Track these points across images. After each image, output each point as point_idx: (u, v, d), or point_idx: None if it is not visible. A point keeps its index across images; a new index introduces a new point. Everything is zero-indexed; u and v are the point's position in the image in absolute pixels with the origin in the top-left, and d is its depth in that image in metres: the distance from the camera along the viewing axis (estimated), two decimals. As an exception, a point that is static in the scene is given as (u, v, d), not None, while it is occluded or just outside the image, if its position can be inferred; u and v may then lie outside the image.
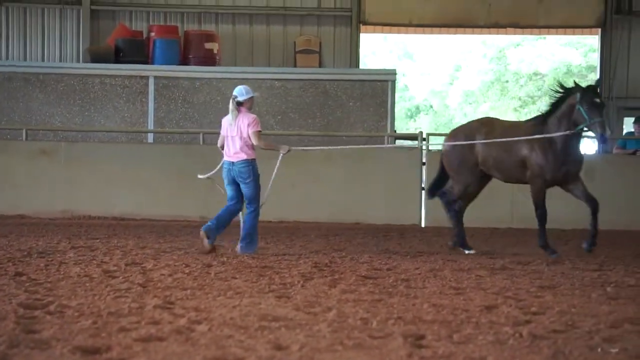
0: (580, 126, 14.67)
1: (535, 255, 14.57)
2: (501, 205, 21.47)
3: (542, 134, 14.81)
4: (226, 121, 14.63)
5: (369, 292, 9.90)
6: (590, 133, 15.22)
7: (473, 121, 16.35)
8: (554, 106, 15.00)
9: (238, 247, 14.26)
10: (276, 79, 25.16)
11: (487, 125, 15.57)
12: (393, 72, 26.55)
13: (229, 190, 14.44)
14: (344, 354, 6.60)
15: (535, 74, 48.82)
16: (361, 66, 30.11)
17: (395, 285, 10.57)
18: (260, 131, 14.39)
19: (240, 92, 14.57)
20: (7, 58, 27.65)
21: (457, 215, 15.47)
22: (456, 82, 50.78)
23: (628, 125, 26.94)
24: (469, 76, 50.21)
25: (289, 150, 14.88)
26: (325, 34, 28.82)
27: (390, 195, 21.87)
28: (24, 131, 22.90)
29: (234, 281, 10.64)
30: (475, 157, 15.31)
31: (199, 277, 10.91)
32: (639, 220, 21.22)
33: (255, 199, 14.33)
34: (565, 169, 14.89)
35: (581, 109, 14.61)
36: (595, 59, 32.30)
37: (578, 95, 14.71)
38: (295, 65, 27.41)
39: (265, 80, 24.97)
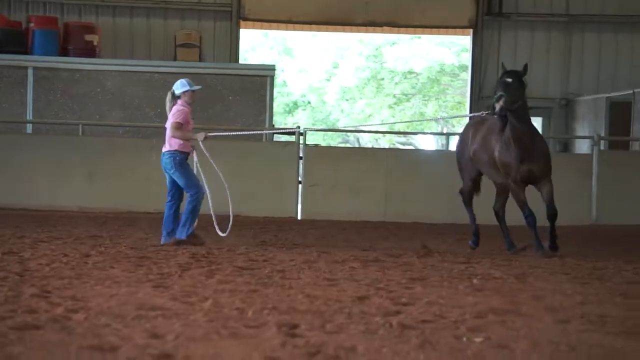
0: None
1: (406, 248, 14.73)
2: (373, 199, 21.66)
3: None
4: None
5: (245, 283, 9.92)
6: None
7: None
8: None
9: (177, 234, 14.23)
10: (156, 72, 25.02)
11: (481, 122, 15.30)
12: (272, 68, 26.63)
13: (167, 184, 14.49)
14: (219, 343, 6.62)
15: (410, 72, 49.25)
16: (241, 61, 30.12)
17: (271, 276, 10.60)
18: (179, 122, 14.23)
19: (176, 85, 14.47)
20: None
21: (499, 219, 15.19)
22: (333, 79, 50.95)
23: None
24: (346, 73, 50.44)
25: (205, 137, 14.71)
26: (205, 29, 28.76)
27: (269, 188, 21.91)
28: None
29: (112, 271, 10.58)
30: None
31: (76, 267, 10.83)
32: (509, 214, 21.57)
33: (189, 186, 14.25)
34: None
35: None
36: (467, 58, 32.73)
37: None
38: (175, 59, 27.29)
39: (146, 73, 24.83)
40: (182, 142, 14.23)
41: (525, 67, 14.02)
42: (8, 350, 6.10)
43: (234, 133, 19.04)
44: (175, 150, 14.18)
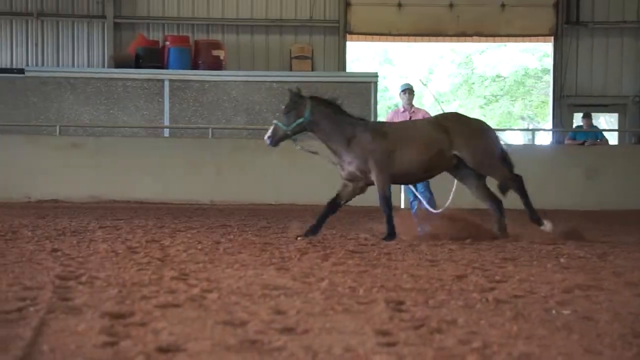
0: None
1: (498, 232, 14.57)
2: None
3: None
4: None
5: (356, 265, 9.90)
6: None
7: None
8: None
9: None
10: (274, 81, 25.17)
11: None
12: (375, 75, 26.62)
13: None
14: (335, 318, 6.61)
15: (498, 76, 48.82)
16: (348, 70, 30.14)
17: (378, 259, 10.57)
18: None
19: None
20: (42, 64, 27.60)
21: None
22: (429, 84, 50.74)
23: (577, 119, 26.97)
24: (440, 79, 50.20)
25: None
26: (316, 42, 28.86)
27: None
28: (57, 127, 22.92)
29: (240, 255, 10.64)
30: None
31: (209, 252, 10.91)
32: (590, 200, 21.23)
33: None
34: None
35: None
36: (549, 63, 32.33)
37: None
38: (290, 70, 27.42)
39: (265, 82, 25.00)
40: None
41: None
42: (153, 326, 6.16)
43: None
44: None
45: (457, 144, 13.14)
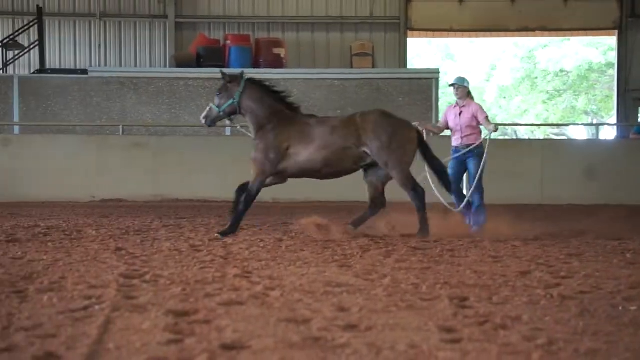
0: None
1: (563, 228, 14.46)
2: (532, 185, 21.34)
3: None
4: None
5: (419, 261, 9.88)
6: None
7: None
8: None
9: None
10: (335, 79, 25.19)
11: None
12: (437, 71, 26.54)
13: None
14: (398, 314, 6.60)
15: (561, 70, 48.40)
16: (409, 66, 30.07)
17: (441, 255, 10.53)
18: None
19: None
20: (105, 65, 27.92)
21: None
22: (492, 79, 50.46)
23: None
24: (503, 74, 49.89)
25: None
26: (377, 39, 28.85)
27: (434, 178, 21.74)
28: (120, 127, 23.15)
29: (302, 253, 10.66)
30: None
31: (272, 250, 10.94)
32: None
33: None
34: None
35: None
36: (613, 56, 32.00)
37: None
38: (351, 67, 27.40)
39: (326, 80, 25.02)
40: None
41: None
42: (217, 323, 6.20)
43: None
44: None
45: (366, 141, 12.98)
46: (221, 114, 13.45)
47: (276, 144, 13.07)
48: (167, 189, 21.97)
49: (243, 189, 13.28)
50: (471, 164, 14.15)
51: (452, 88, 14.42)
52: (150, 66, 28.14)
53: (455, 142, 14.20)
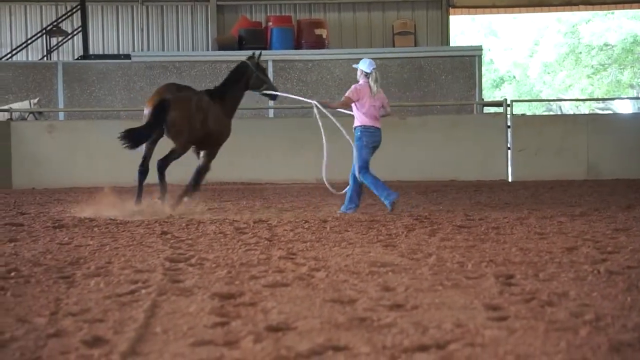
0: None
1: (610, 202, 14.35)
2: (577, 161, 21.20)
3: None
4: (366, 90, 13.69)
5: (464, 240, 9.84)
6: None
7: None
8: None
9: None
10: (377, 58, 24.99)
11: None
12: (479, 48, 26.37)
13: (370, 156, 13.77)
14: (444, 293, 6.58)
15: (606, 44, 47.96)
16: (451, 44, 29.92)
17: (486, 233, 10.49)
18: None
19: (370, 64, 13.82)
20: (147, 49, 28.05)
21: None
22: (535, 55, 50.12)
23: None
24: (546, 49, 49.53)
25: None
26: (419, 18, 28.73)
27: (481, 155, 21.70)
28: (164, 112, 23.22)
29: (346, 234, 10.65)
30: None
31: (316, 231, 10.94)
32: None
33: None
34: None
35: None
36: (658, 29, 31.64)
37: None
38: (393, 46, 27.32)
39: (368, 60, 24.94)
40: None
41: None
42: (263, 305, 6.21)
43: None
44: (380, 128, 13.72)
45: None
46: None
47: None
48: (211, 172, 22.01)
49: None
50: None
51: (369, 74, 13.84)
52: (193, 50, 28.23)
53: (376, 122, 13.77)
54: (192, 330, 5.51)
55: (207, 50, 28.00)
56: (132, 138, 13.61)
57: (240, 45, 26.07)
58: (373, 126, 13.59)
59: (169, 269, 7.93)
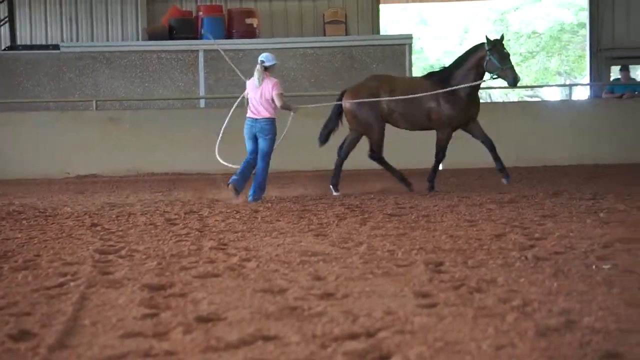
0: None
1: (538, 189, 14.51)
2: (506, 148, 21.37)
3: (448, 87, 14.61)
4: (251, 83, 14.24)
5: (394, 228, 9.89)
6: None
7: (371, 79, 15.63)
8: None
9: (249, 197, 14.03)
10: (309, 47, 25.08)
11: (389, 83, 15.16)
12: (410, 37, 26.42)
13: (249, 145, 14.12)
14: (374, 281, 6.62)
15: (534, 32, 48.44)
16: (382, 33, 29.99)
17: (417, 221, 10.56)
18: (282, 93, 14.10)
19: (267, 58, 14.20)
20: (76, 40, 27.72)
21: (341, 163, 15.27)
22: (465, 43, 50.44)
23: (615, 73, 26.69)
24: (475, 37, 49.89)
25: (296, 110, 14.66)
26: (349, 7, 28.75)
27: (416, 143, 21.72)
28: (94, 102, 22.99)
29: (278, 223, 10.66)
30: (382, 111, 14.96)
31: (248, 221, 10.94)
32: (625, 154, 21.02)
33: (268, 154, 14.01)
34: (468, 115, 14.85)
35: (492, 58, 14.48)
36: (585, 16, 31.96)
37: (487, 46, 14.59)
38: (324, 35, 27.33)
39: (299, 49, 24.90)
40: (274, 111, 14.01)
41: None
42: (193, 296, 6.20)
43: (321, 104, 18.28)
44: (274, 118, 13.99)
45: None
46: None
47: None
48: (142, 163, 21.88)
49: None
50: None
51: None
52: (123, 40, 27.94)
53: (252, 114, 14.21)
54: (121, 322, 5.48)
55: (137, 40, 27.75)
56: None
57: (170, 35, 25.87)
58: (249, 117, 14.18)
59: (98, 261, 7.87)
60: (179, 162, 21.74)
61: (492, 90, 44.96)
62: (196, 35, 25.64)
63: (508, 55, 14.44)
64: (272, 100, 13.97)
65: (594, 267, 7.00)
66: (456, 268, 7.10)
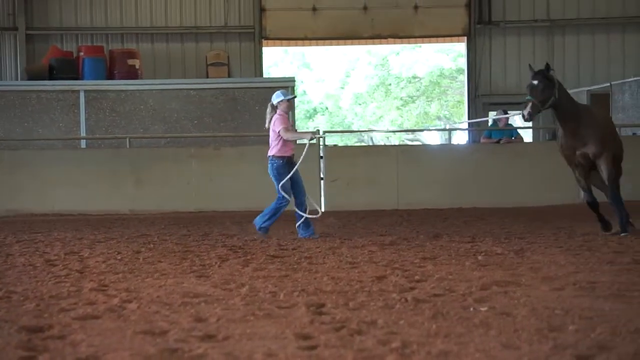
0: None
1: (419, 232, 14.70)
2: (387, 190, 21.61)
3: None
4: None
5: (277, 269, 9.91)
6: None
7: None
8: None
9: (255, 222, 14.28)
10: (191, 89, 25.05)
11: None
12: (292, 80, 26.61)
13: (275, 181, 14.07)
14: (256, 323, 6.61)
15: (414, 77, 49.28)
16: (265, 75, 30.17)
17: (299, 262, 10.59)
18: (285, 127, 13.81)
19: (275, 95, 14.03)
20: (-47, 79, 27.20)
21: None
22: (347, 87, 51.02)
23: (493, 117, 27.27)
24: (357, 81, 50.47)
25: (312, 136, 14.42)
26: (232, 49, 28.90)
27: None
28: (-29, 142, 22.54)
29: (160, 264, 10.58)
30: None
31: (129, 262, 10.83)
32: (502, 198, 21.42)
33: (278, 191, 13.95)
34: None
35: None
36: (463, 62, 32.68)
37: None
38: (207, 76, 27.35)
39: (182, 90, 24.85)
40: (280, 148, 13.88)
41: (547, 65, 13.37)
42: (72, 338, 6.11)
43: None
44: (278, 156, 13.89)
45: None
46: (541, 108, 13.38)
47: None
48: (21, 203, 21.48)
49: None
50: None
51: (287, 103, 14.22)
52: (1, 79, 27.52)
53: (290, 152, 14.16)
54: (-3, 366, 5.37)
55: (16, 79, 27.36)
56: None
57: (51, 74, 25.56)
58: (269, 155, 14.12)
59: (-26, 303, 7.70)
60: (58, 202, 21.39)
61: (374, 133, 45.56)
62: (77, 75, 25.40)
63: (529, 86, 13.38)
64: (279, 136, 13.84)
65: (471, 309, 7.11)
66: (337, 310, 7.14)
